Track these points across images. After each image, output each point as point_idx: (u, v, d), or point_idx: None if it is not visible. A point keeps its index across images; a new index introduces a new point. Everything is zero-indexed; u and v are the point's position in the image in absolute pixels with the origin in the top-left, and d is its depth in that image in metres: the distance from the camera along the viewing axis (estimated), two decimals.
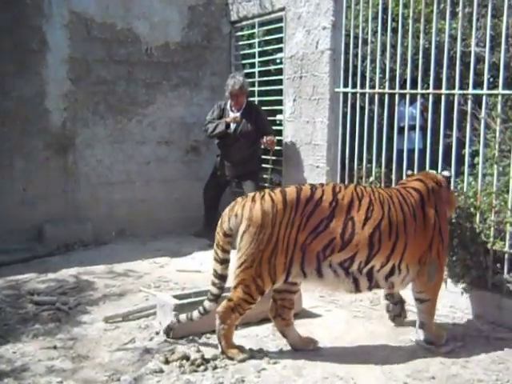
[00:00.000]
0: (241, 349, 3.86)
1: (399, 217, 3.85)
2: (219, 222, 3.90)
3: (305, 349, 3.95)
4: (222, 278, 3.93)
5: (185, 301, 4.29)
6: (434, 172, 4.43)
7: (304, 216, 3.73)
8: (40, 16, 6.72)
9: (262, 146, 6.85)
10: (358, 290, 3.90)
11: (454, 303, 4.61)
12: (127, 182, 7.34)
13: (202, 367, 3.69)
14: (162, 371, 3.65)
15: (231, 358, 3.79)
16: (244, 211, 3.76)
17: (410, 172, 4.58)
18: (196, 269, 5.93)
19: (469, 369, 3.72)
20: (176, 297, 4.39)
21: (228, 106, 6.92)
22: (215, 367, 3.69)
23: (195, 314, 3.98)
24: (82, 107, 7.03)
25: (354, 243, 3.75)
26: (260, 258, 3.71)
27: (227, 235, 3.84)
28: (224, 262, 3.90)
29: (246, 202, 3.81)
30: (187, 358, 3.78)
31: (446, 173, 4.35)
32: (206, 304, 3.95)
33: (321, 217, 3.74)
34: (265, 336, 4.21)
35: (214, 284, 3.95)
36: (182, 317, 4.03)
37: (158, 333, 4.25)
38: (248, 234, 3.73)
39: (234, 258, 3.83)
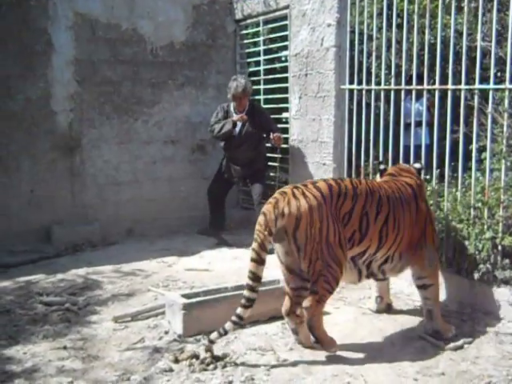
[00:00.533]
0: (333, 341, 3.90)
1: (401, 211, 4.06)
2: (262, 220, 3.79)
3: (314, 346, 3.95)
4: (260, 280, 3.79)
5: (193, 300, 4.29)
6: (407, 165, 4.62)
7: (337, 209, 3.85)
8: (45, 18, 6.74)
9: (269, 144, 6.85)
10: (360, 280, 4.13)
11: (463, 299, 4.60)
12: (134, 182, 7.35)
13: (212, 366, 3.69)
14: (171, 370, 3.66)
15: (327, 348, 3.84)
16: (291, 209, 3.74)
17: (382, 166, 4.63)
18: (204, 267, 5.94)
19: (479, 365, 3.71)
20: (185, 296, 4.39)
21: (232, 108, 6.92)
22: (224, 366, 3.69)
23: (228, 325, 3.76)
24: (88, 108, 7.05)
25: (369, 236, 3.94)
26: (321, 250, 3.75)
27: (272, 234, 3.79)
28: (264, 263, 3.78)
29: (289, 199, 3.78)
30: (197, 356, 3.79)
31: (417, 165, 4.55)
32: (243, 312, 3.76)
33: (345, 210, 3.87)
34: (274, 334, 4.21)
35: (251, 288, 3.76)
36: (214, 335, 3.77)
37: (167, 332, 4.26)
38: (301, 231, 3.74)
39: (292, 256, 3.83)
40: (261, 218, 3.82)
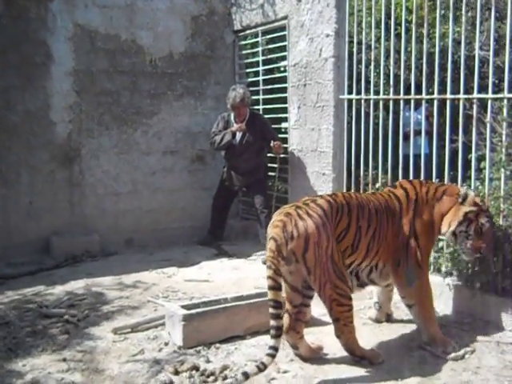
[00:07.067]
0: (375, 352, 3.94)
1: (384, 223, 4.08)
2: (273, 246, 3.71)
3: (314, 357, 3.94)
4: (281, 306, 3.71)
5: (193, 311, 4.27)
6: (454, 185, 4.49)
7: (335, 226, 3.86)
8: (44, 30, 6.76)
9: (269, 154, 6.87)
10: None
11: (464, 308, 4.58)
12: (133, 193, 7.35)
13: (212, 377, 3.67)
14: (171, 382, 3.64)
15: (375, 362, 3.83)
16: (300, 231, 3.70)
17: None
18: (204, 278, 5.91)
19: (480, 375, 3.69)
20: (184, 307, 4.37)
21: (232, 118, 6.94)
22: (225, 377, 3.67)
23: (267, 359, 3.58)
24: (87, 118, 7.06)
25: (359, 249, 3.97)
26: (327, 270, 3.74)
27: (284, 258, 3.72)
28: (281, 288, 3.73)
29: (296, 221, 3.73)
30: (197, 368, 3.77)
31: (462, 189, 4.32)
32: (275, 342, 3.63)
33: (342, 226, 3.89)
34: None
35: (276, 317, 3.65)
36: (252, 369, 3.54)
37: (166, 343, 4.24)
38: (310, 253, 3.71)
39: (296, 275, 3.80)
40: (271, 244, 3.74)
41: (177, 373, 3.74)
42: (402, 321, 4.63)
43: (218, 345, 4.17)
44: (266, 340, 4.19)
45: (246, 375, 3.48)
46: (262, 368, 3.54)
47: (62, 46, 6.85)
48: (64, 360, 4.00)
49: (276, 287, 3.70)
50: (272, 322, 3.66)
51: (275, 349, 3.62)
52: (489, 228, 4.16)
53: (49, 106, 6.85)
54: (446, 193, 4.24)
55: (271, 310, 3.67)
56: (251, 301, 4.44)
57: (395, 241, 4.11)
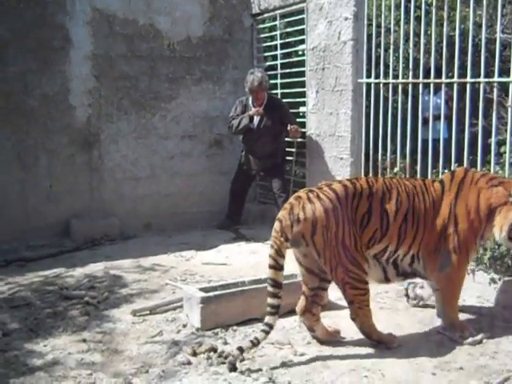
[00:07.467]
0: (392, 336, 3.92)
1: (421, 208, 3.92)
2: (278, 226, 3.77)
3: (331, 340, 3.96)
4: (280, 286, 3.75)
5: (211, 293, 4.30)
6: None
7: (354, 211, 3.80)
8: (63, 13, 6.78)
9: (287, 138, 6.86)
10: (387, 278, 4.04)
11: (482, 293, 4.57)
12: (152, 177, 7.39)
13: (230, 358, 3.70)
14: (189, 363, 3.68)
15: (390, 346, 3.83)
16: (307, 214, 3.72)
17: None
18: (222, 262, 5.96)
19: (498, 360, 3.68)
20: (202, 289, 4.41)
21: (250, 102, 6.93)
22: (242, 359, 3.69)
23: (260, 335, 3.71)
24: (106, 103, 7.09)
25: (389, 234, 3.87)
26: (338, 254, 3.74)
27: (288, 240, 3.76)
28: (282, 269, 3.77)
29: (303, 204, 3.76)
30: (214, 350, 3.80)
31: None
32: (270, 319, 3.72)
33: (363, 211, 3.83)
34: (291, 328, 4.21)
35: (274, 295, 3.73)
36: (246, 344, 3.70)
37: (185, 325, 4.28)
38: (318, 236, 3.72)
39: (311, 258, 3.84)
40: (276, 225, 3.80)
41: (195, 354, 3.78)
42: (420, 306, 4.62)
43: (235, 327, 4.20)
44: (284, 323, 4.24)
45: (241, 349, 3.64)
46: (255, 343, 3.68)
47: (81, 30, 6.87)
48: (84, 341, 4.06)
49: (276, 267, 3.75)
50: (269, 300, 3.75)
51: (270, 326, 3.72)
52: None
53: (68, 90, 6.89)
54: (503, 184, 3.93)
55: (269, 289, 3.75)
56: None
57: (433, 231, 3.94)
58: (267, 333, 3.73)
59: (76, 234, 6.80)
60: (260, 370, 3.57)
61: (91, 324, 4.37)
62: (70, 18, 6.82)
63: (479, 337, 3.94)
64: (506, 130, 4.57)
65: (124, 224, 7.05)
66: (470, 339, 3.91)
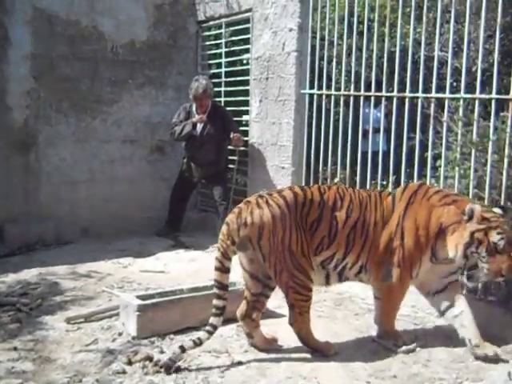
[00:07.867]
0: (328, 344, 3.94)
1: (371, 218, 3.98)
2: (225, 230, 3.82)
3: (269, 348, 3.97)
4: (226, 288, 3.83)
5: (148, 301, 4.25)
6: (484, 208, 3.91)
7: (303, 218, 3.85)
8: (1, 11, 6.57)
9: (229, 146, 6.87)
10: (328, 283, 4.12)
11: (416, 303, 4.67)
12: (91, 181, 7.24)
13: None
14: (124, 372, 3.61)
15: (327, 353, 3.86)
16: (254, 218, 3.76)
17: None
18: (160, 269, 5.89)
19: (430, 368, 3.77)
20: (139, 297, 4.35)
21: (193, 109, 6.91)
22: (178, 368, 3.65)
23: (203, 335, 3.77)
24: (45, 105, 6.91)
25: (337, 241, 3.93)
26: (284, 260, 3.77)
27: (234, 243, 3.80)
28: (228, 271, 3.84)
29: (252, 208, 3.80)
30: (150, 358, 3.75)
31: (496, 209, 3.98)
32: (214, 320, 3.79)
33: (313, 217, 3.88)
34: (229, 336, 4.19)
35: (219, 297, 3.80)
36: (188, 344, 3.73)
37: (120, 334, 4.20)
38: (264, 240, 3.76)
39: (256, 264, 3.87)
40: (224, 228, 3.84)
41: (130, 363, 3.72)
42: (356, 314, 4.70)
43: (172, 336, 4.16)
44: (221, 331, 4.21)
45: (183, 348, 3.69)
46: (197, 343, 3.73)
47: (20, 29, 6.68)
48: (15, 349, 3.93)
49: (221, 269, 3.82)
50: (214, 301, 3.81)
51: (214, 327, 3.78)
52: (506, 245, 3.69)
53: (5, 91, 6.67)
54: (456, 203, 3.88)
55: (215, 290, 3.82)
56: (207, 292, 4.43)
57: (380, 242, 3.96)
58: (211, 333, 3.77)
59: (10, 239, 6.58)
60: (196, 379, 3.54)
61: (23, 331, 4.24)
62: (10, 17, 6.62)
63: (413, 345, 4.03)
64: (441, 145, 4.71)
65: (60, 229, 6.87)
66: (404, 348, 4.00)
